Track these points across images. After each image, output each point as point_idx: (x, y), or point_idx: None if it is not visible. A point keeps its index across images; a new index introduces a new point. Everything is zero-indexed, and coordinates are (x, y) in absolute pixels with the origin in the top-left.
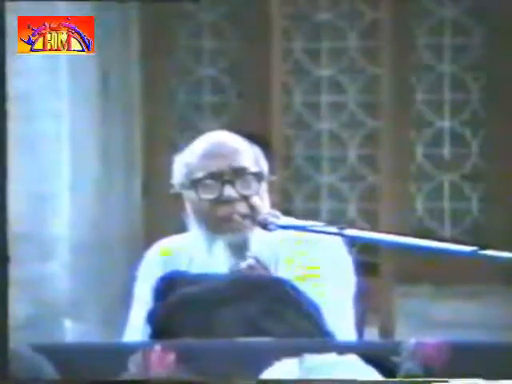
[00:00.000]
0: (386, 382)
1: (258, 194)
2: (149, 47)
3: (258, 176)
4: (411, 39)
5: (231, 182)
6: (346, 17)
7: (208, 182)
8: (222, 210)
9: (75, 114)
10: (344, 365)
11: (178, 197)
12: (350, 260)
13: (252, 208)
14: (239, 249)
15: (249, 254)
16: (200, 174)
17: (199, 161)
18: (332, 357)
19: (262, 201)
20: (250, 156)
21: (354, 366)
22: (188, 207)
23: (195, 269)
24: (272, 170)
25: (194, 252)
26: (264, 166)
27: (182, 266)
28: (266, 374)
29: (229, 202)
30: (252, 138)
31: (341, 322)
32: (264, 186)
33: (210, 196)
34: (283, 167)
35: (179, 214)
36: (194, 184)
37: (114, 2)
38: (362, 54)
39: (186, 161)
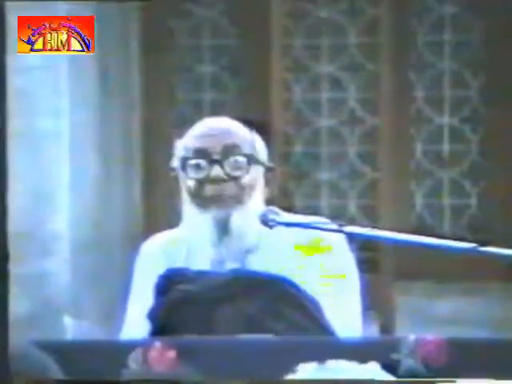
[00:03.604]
0: (389, 382)
1: (248, 175)
2: (148, 45)
3: (250, 157)
4: (411, 36)
5: (219, 162)
6: (346, 13)
7: (197, 161)
8: (210, 190)
9: (75, 112)
10: (364, 372)
11: (177, 193)
12: (352, 257)
13: (241, 189)
14: (224, 226)
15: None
16: (190, 154)
17: (192, 141)
18: (352, 364)
19: (255, 184)
20: (243, 138)
21: (374, 373)
22: (182, 188)
23: (193, 259)
24: (272, 160)
25: (188, 237)
26: (261, 151)
27: (180, 257)
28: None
29: (216, 181)
30: (253, 126)
31: (348, 318)
32: (258, 170)
33: (199, 175)
34: (283, 164)
35: (179, 210)
36: (184, 164)
37: (114, 2)
38: (362, 51)
39: (183, 144)
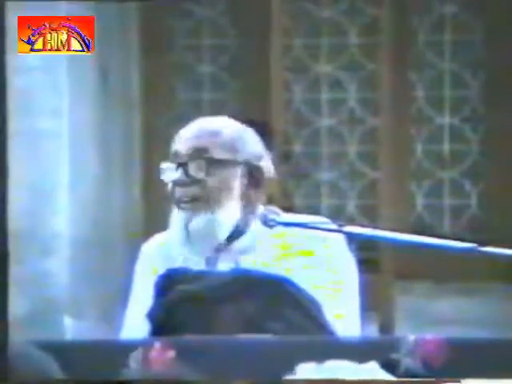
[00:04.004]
0: (390, 382)
1: (215, 177)
2: (148, 45)
3: (214, 161)
4: (411, 36)
5: (184, 165)
6: (346, 13)
7: (167, 164)
8: (178, 192)
9: (75, 112)
10: (364, 372)
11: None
12: (352, 256)
13: (207, 191)
14: (191, 227)
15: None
16: (168, 157)
17: (171, 145)
18: (352, 364)
19: (227, 186)
20: (218, 140)
21: (374, 373)
22: None
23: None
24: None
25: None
26: (247, 152)
27: (179, 257)
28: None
29: (181, 184)
30: (253, 126)
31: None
32: (233, 172)
33: (168, 178)
34: (283, 163)
35: None
36: (161, 167)
37: (114, 2)
38: (362, 51)
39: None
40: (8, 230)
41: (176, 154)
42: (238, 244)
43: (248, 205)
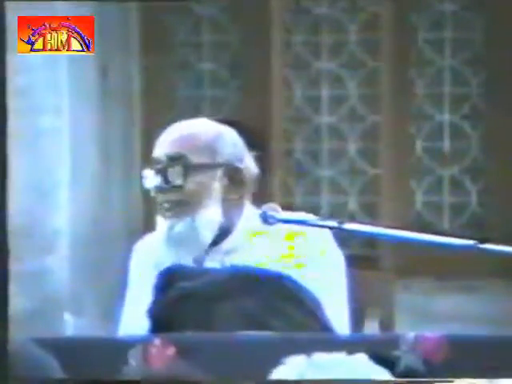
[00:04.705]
0: (388, 381)
1: (193, 182)
2: (148, 42)
3: (191, 166)
4: (411, 33)
5: (163, 171)
6: (347, 10)
7: (147, 171)
8: (159, 198)
9: (75, 110)
10: (353, 364)
11: None
12: (340, 253)
13: (186, 196)
14: (174, 231)
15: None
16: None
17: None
18: (341, 356)
19: (206, 189)
20: (194, 145)
21: (362, 365)
22: None
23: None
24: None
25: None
26: (228, 154)
27: (167, 259)
28: (274, 373)
29: (160, 191)
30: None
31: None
32: (212, 175)
33: (149, 185)
34: (283, 161)
35: None
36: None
37: (114, 2)
38: (363, 48)
39: None
40: (8, 228)
41: (155, 160)
42: (225, 245)
43: (232, 205)
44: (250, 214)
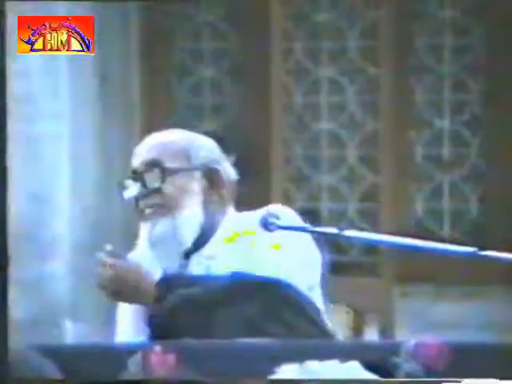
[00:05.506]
0: (388, 382)
1: (170, 185)
2: (148, 48)
3: (166, 170)
4: (411, 40)
5: (141, 178)
6: (346, 17)
7: (126, 181)
8: (141, 205)
9: (75, 115)
10: (345, 371)
11: None
12: (318, 252)
13: (166, 197)
14: (155, 234)
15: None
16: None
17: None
18: (333, 363)
19: (183, 192)
20: (169, 151)
21: (355, 372)
22: None
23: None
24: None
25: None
26: (204, 157)
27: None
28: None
29: (142, 196)
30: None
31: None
32: (188, 178)
33: (129, 195)
34: (283, 168)
35: None
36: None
37: (114, 2)
38: (362, 55)
39: None
40: (8, 234)
41: (133, 171)
42: (207, 249)
43: (213, 207)
44: (232, 217)
